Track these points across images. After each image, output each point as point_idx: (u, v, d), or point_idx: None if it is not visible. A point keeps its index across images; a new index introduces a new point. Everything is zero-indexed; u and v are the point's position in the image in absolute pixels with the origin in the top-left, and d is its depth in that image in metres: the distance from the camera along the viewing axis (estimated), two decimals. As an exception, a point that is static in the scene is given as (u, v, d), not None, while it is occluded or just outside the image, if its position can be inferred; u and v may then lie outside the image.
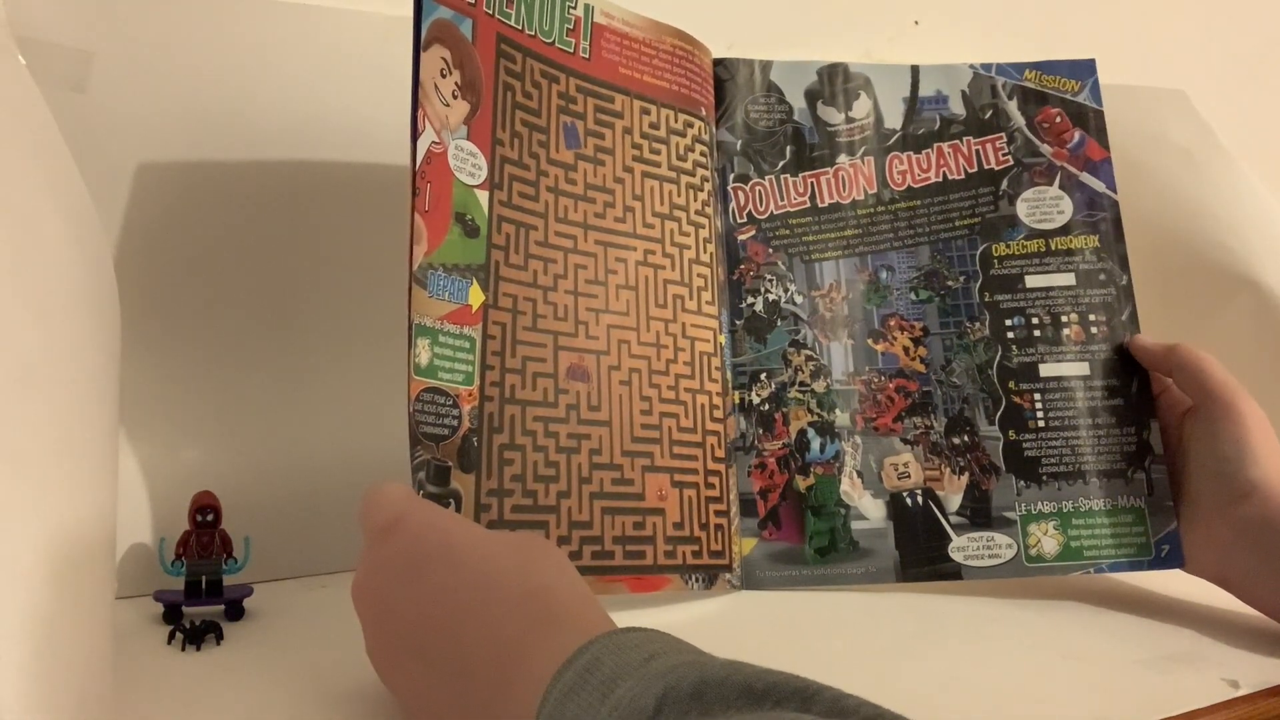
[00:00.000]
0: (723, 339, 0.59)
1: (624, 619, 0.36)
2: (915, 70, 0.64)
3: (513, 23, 0.53)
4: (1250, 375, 0.58)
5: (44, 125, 0.45)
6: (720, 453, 0.57)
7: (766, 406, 0.59)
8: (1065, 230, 0.61)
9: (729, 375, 0.59)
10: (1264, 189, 0.86)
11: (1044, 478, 0.57)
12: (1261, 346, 0.78)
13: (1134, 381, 0.59)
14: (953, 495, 0.58)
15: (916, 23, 0.94)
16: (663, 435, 0.55)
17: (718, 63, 0.63)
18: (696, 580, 0.55)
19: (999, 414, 0.59)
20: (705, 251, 0.59)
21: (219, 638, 0.47)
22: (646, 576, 0.53)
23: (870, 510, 0.58)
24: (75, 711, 0.31)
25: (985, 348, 0.60)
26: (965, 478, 0.58)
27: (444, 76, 0.49)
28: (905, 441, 0.59)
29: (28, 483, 0.32)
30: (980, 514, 0.57)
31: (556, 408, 0.51)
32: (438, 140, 0.48)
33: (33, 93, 0.46)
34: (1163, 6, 1.10)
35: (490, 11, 0.52)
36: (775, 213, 0.62)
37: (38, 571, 0.30)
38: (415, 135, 0.47)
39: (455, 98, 0.49)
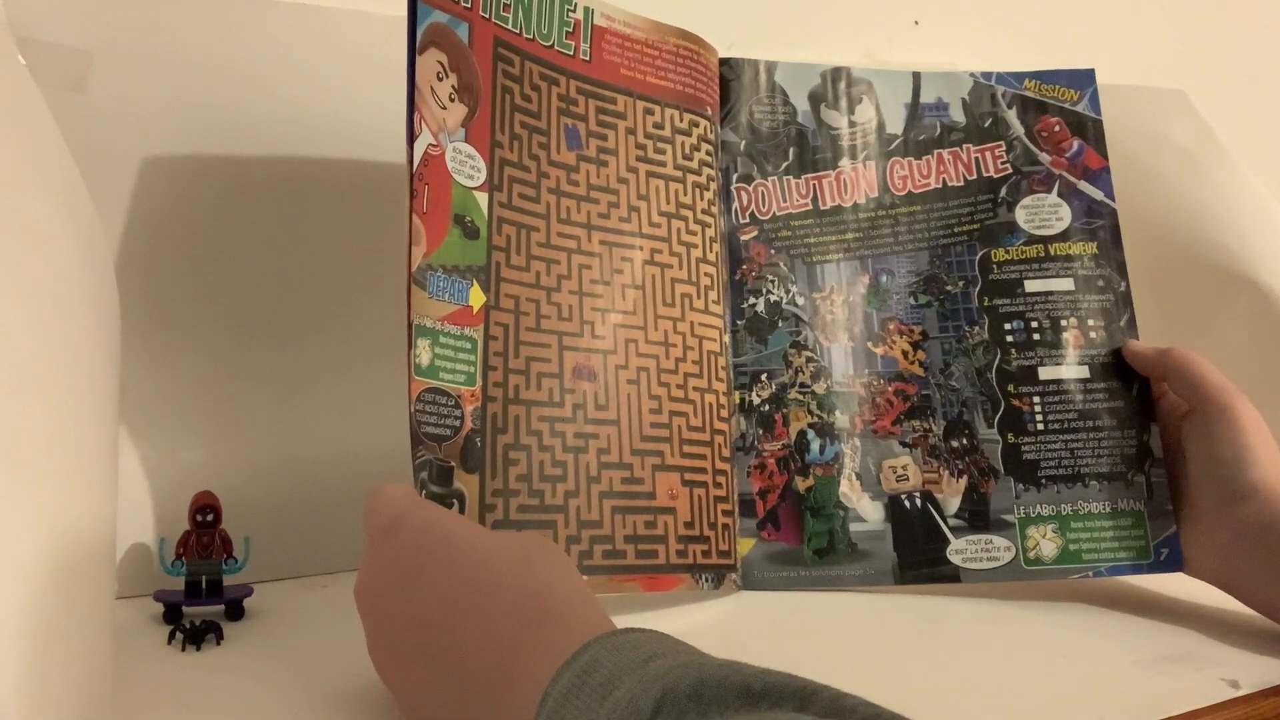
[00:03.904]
0: (726, 339, 0.59)
1: (627, 619, 0.36)
2: (917, 76, 0.64)
3: (510, 26, 0.53)
4: (1251, 375, 0.58)
5: (44, 125, 0.45)
6: (726, 452, 0.57)
7: (767, 407, 0.59)
8: (1064, 236, 0.61)
9: (731, 375, 0.59)
10: (1264, 189, 0.86)
11: (1043, 481, 0.57)
12: (1262, 347, 0.78)
13: (1134, 385, 0.59)
14: (951, 498, 0.58)
15: (916, 23, 0.94)
16: (673, 434, 0.55)
17: (723, 62, 0.63)
18: (707, 580, 0.55)
19: (998, 417, 0.59)
20: (711, 251, 0.59)
21: (219, 638, 0.47)
22: (660, 576, 0.53)
23: (869, 512, 0.58)
24: (75, 711, 0.31)
25: (984, 351, 0.60)
26: (964, 480, 0.58)
27: (440, 80, 0.49)
28: (904, 444, 0.59)
29: (28, 483, 0.32)
30: (979, 517, 0.57)
31: (563, 407, 0.51)
32: (435, 143, 0.48)
33: (33, 93, 0.46)
34: (1163, 6, 1.10)
35: (487, 15, 0.52)
36: (778, 214, 0.62)
37: (37, 572, 0.30)
38: (412, 138, 0.47)
39: (452, 100, 0.49)
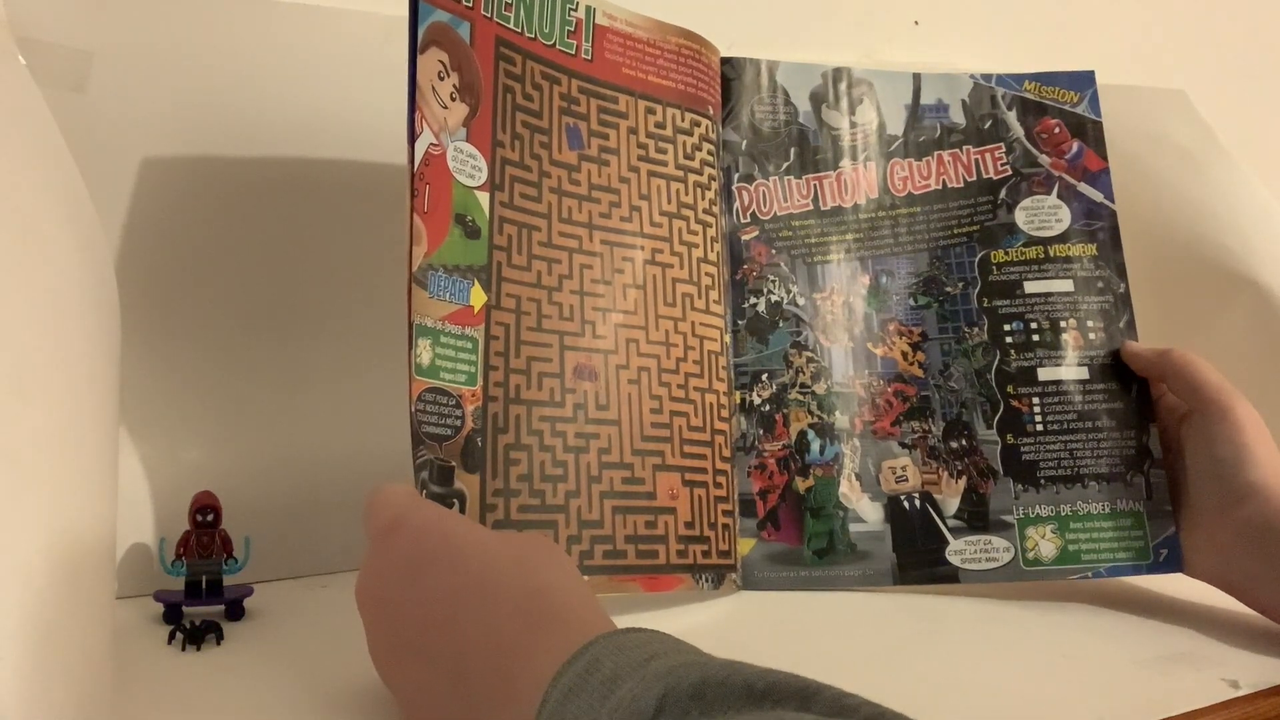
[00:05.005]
0: (727, 338, 0.59)
1: (627, 619, 0.36)
2: (917, 78, 0.64)
3: (511, 25, 0.53)
4: (1251, 375, 0.58)
5: (44, 125, 0.45)
6: (727, 452, 0.57)
7: (767, 407, 0.59)
8: (1064, 238, 0.61)
9: (732, 375, 0.59)
10: (1264, 189, 0.86)
11: (1042, 481, 0.57)
12: (1261, 347, 0.78)
13: (1133, 386, 0.59)
14: (950, 499, 0.58)
15: (916, 23, 0.94)
16: (673, 434, 0.55)
17: (725, 62, 0.63)
18: (707, 580, 0.55)
19: (997, 418, 0.59)
20: (713, 250, 0.59)
21: (219, 638, 0.47)
22: (660, 576, 0.53)
23: (868, 513, 0.58)
24: (75, 712, 0.31)
25: (984, 352, 0.60)
26: (963, 481, 0.58)
27: (442, 79, 0.49)
28: (903, 445, 0.59)
29: (28, 483, 0.32)
30: (978, 517, 0.57)
31: (563, 407, 0.51)
32: (436, 142, 0.48)
33: (33, 93, 0.46)
34: (1163, 6, 1.10)
35: (488, 15, 0.52)
36: (779, 214, 0.62)
37: (37, 572, 0.30)
38: (413, 137, 0.47)
39: (454, 100, 0.49)
